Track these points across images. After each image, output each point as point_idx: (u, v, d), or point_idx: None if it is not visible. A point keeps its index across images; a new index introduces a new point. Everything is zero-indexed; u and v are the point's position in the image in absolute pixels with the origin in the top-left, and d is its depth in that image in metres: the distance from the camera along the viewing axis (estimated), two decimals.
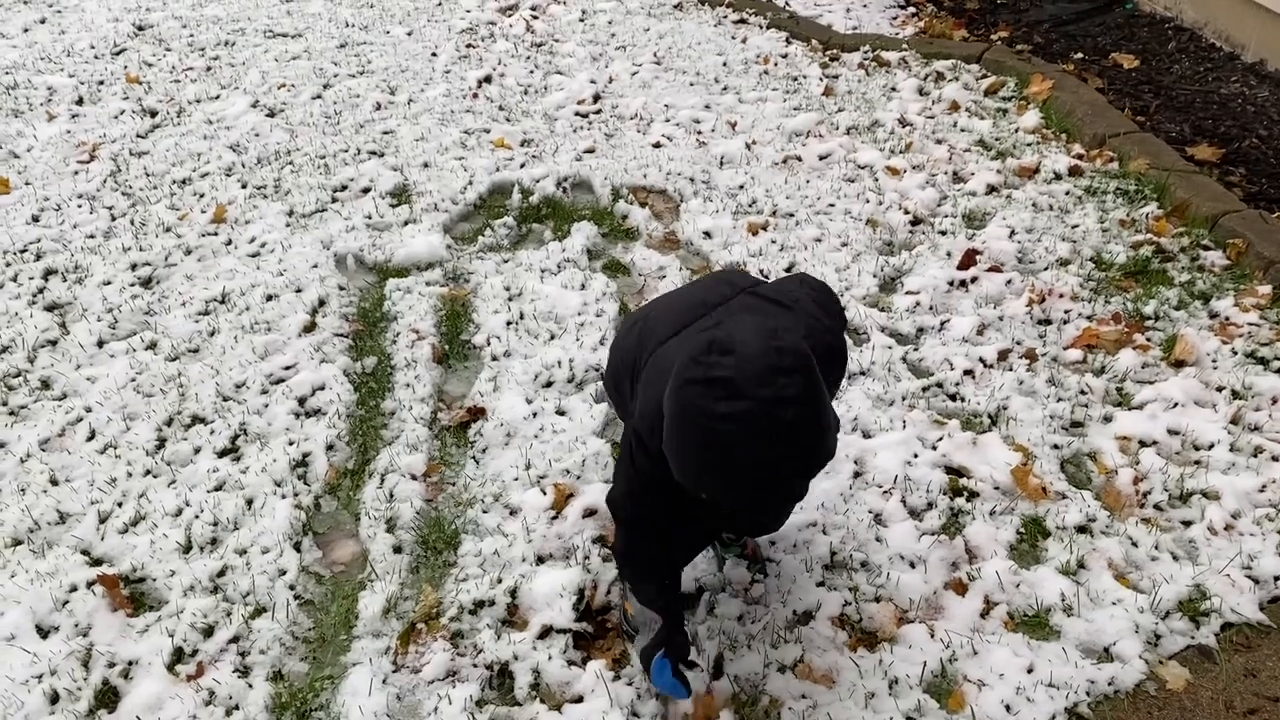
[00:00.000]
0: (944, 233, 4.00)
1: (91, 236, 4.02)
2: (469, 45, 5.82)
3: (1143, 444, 2.95)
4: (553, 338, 3.44)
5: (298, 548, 2.65)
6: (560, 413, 3.10)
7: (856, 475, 2.86)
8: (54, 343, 3.44)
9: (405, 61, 5.57)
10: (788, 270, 3.79)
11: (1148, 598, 2.45)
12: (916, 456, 2.91)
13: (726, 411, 1.55)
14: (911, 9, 6.50)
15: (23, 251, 3.91)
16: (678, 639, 2.11)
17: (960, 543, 2.64)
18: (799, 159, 4.56)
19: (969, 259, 3.77)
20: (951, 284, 3.68)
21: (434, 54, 5.70)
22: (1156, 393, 3.11)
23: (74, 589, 2.53)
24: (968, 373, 3.25)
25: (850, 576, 2.55)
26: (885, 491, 2.80)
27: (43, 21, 6.21)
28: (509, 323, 3.50)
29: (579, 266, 3.80)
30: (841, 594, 2.49)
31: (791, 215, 4.12)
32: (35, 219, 4.15)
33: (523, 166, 4.51)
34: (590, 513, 2.71)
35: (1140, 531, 2.65)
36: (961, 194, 4.25)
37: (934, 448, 2.95)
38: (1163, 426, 2.99)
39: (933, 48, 5.60)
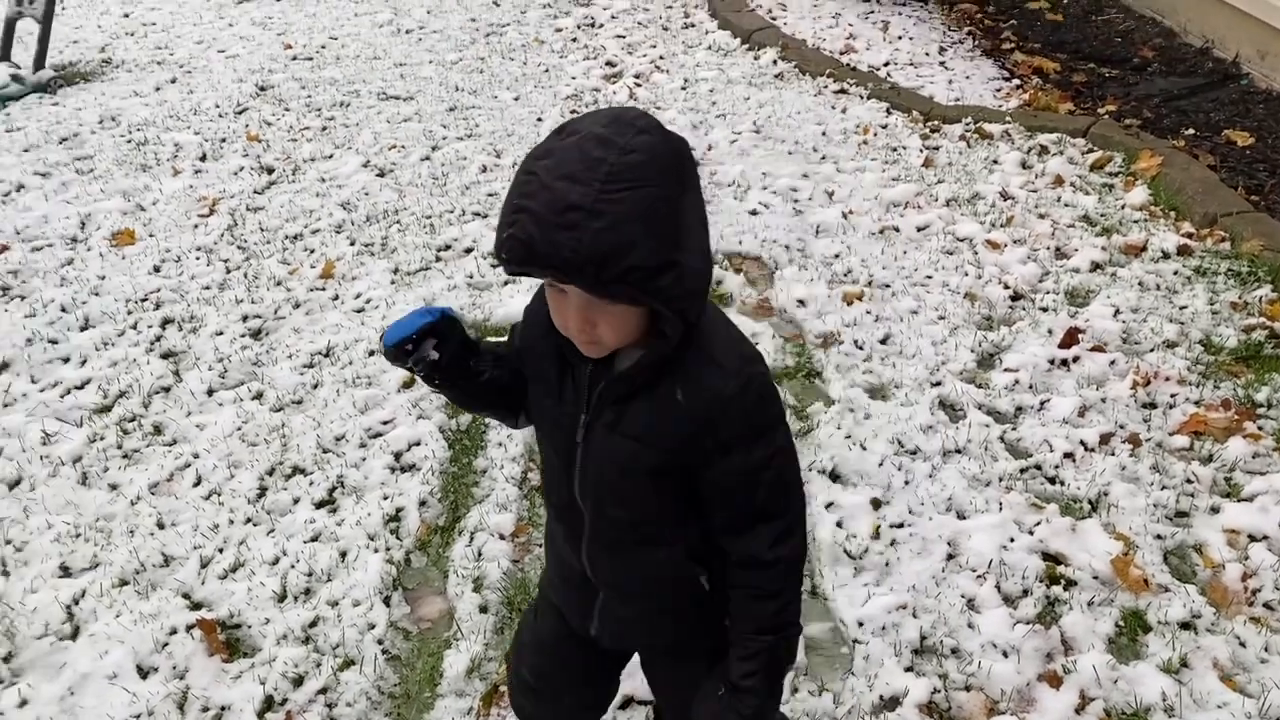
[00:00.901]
0: (1045, 309, 3.92)
1: (207, 288, 4.20)
2: (573, 111, 5.96)
3: (1252, 538, 2.84)
4: None
5: (387, 602, 2.69)
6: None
7: (950, 558, 2.80)
8: (168, 389, 3.59)
9: (511, 126, 5.73)
10: (883, 341, 3.76)
11: (1256, 703, 2.34)
12: (1013, 541, 2.84)
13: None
14: (1016, 81, 6.45)
15: (143, 300, 4.11)
16: None
17: (1056, 633, 2.56)
18: (897, 229, 4.54)
19: (1071, 337, 3.69)
20: (1052, 362, 3.61)
21: (539, 119, 5.85)
22: (1268, 484, 2.99)
23: (174, 632, 2.61)
24: (1068, 455, 3.16)
25: (940, 663, 2.49)
26: (979, 576, 2.74)
27: (173, 81, 6.56)
28: None
29: None
30: (930, 680, 2.43)
31: (888, 286, 4.10)
32: (156, 269, 4.36)
33: None
34: None
35: (1249, 631, 2.53)
36: (1064, 270, 4.17)
37: (1031, 532, 2.87)
38: (1274, 521, 2.87)
39: (1037, 121, 5.54)
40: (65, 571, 2.84)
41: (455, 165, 5.29)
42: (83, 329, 3.92)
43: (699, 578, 1.59)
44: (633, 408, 1.45)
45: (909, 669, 2.48)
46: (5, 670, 2.52)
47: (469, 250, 4.45)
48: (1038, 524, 2.89)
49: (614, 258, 1.23)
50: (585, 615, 1.71)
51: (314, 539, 2.91)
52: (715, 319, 1.48)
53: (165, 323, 3.97)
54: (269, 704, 2.43)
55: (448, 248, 4.48)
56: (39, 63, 6.53)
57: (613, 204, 1.22)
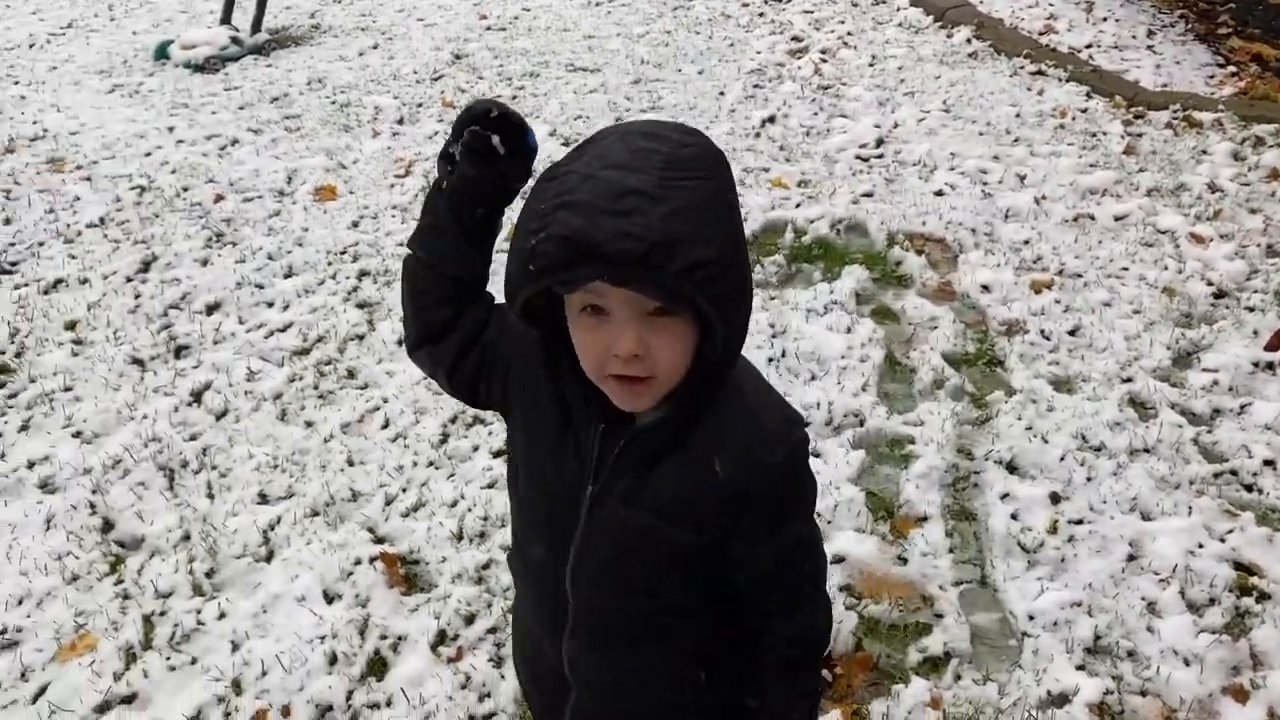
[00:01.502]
0: (1251, 309, 3.68)
1: (401, 244, 4.41)
2: (756, 85, 5.93)
3: None
4: (813, 378, 3.44)
5: None
6: (815, 455, 3.09)
7: (1131, 559, 2.69)
8: (361, 337, 3.79)
9: (694, 99, 5.75)
10: (1071, 333, 3.61)
11: None
12: (1201, 547, 2.70)
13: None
14: (1231, 68, 6.04)
15: (342, 253, 4.34)
16: None
17: (1245, 646, 2.42)
18: (1092, 218, 4.34)
19: (1279, 340, 3.46)
20: (1256, 365, 3.39)
21: (721, 93, 5.85)
22: None
23: (358, 562, 2.77)
24: (1268, 463, 2.98)
25: (1114, 664, 2.40)
26: (1162, 580, 2.61)
27: (375, 47, 6.86)
28: (770, 359, 3.53)
29: (846, 310, 3.78)
30: (1103, 681, 2.34)
31: (1079, 276, 3.93)
32: (355, 224, 4.59)
33: (798, 206, 4.54)
34: (839, 559, 2.69)
35: None
36: (1276, 269, 3.90)
37: (1222, 540, 2.72)
38: None
39: (1254, 110, 5.18)
40: (263, 499, 3.05)
41: None
42: (286, 276, 4.18)
43: (699, 673, 1.38)
44: (657, 476, 1.22)
45: (1080, 667, 2.39)
46: (208, 585, 2.73)
47: None
48: (1230, 532, 2.73)
49: (683, 246, 1.04)
50: (555, 713, 1.45)
51: (490, 486, 3.02)
52: (748, 369, 1.28)
53: (361, 275, 4.18)
54: (441, 638, 2.55)
55: None
56: (256, 26, 6.95)
57: (676, 190, 1.06)
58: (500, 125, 1.20)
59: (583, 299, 1.13)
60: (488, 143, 1.20)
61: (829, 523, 2.81)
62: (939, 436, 3.11)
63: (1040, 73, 5.88)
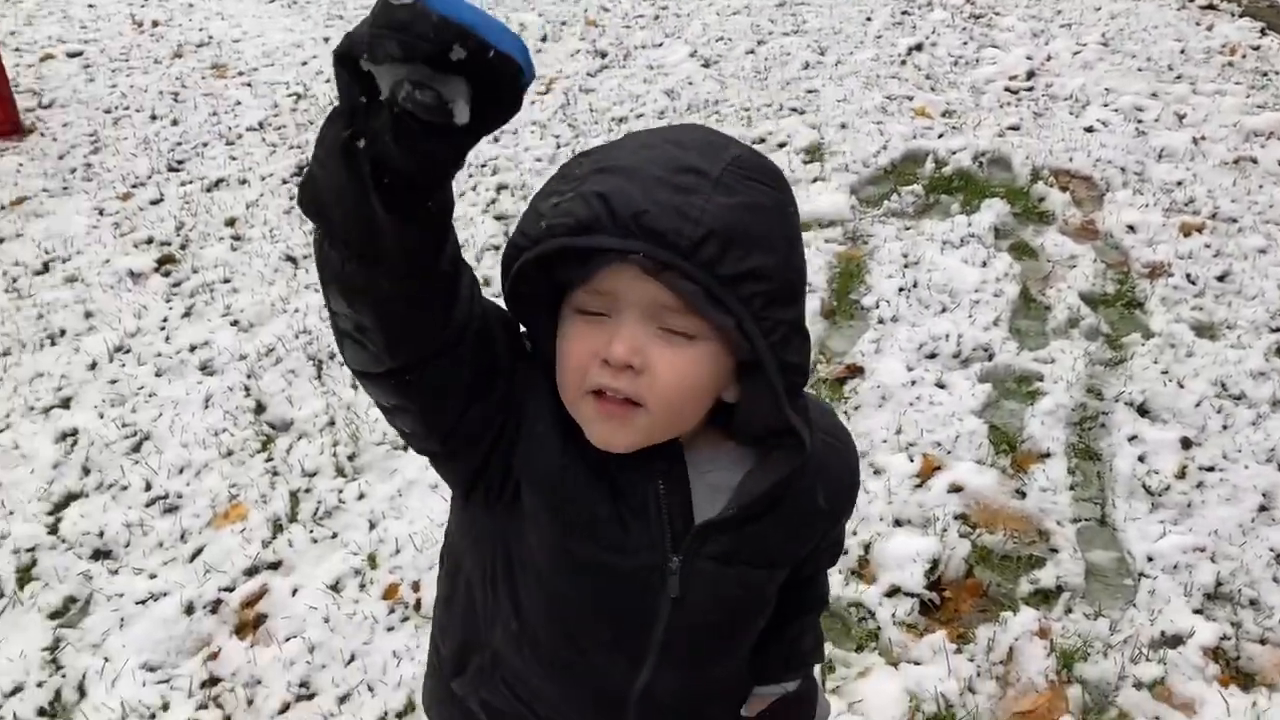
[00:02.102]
0: None
1: (539, 160, 4.50)
2: (904, 12, 5.78)
3: None
4: (944, 310, 3.40)
5: None
6: (940, 385, 3.08)
7: (1262, 509, 2.62)
8: (497, 248, 3.91)
9: (839, 24, 5.64)
10: (1220, 278, 3.47)
11: None
12: None
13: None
14: None
15: (483, 166, 4.46)
16: None
17: None
18: (1254, 161, 4.13)
19: None
20: None
21: (868, 18, 5.72)
22: None
23: None
24: None
25: (1235, 611, 2.36)
26: None
27: None
28: (901, 289, 3.50)
29: (984, 244, 3.71)
30: (1221, 626, 2.31)
31: (1234, 221, 3.76)
32: (495, 139, 4.70)
33: (940, 137, 4.44)
34: (956, 489, 2.70)
35: None
36: None
37: None
38: None
39: None
40: None
41: (778, 60, 5.29)
42: None
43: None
44: (756, 527, 1.04)
45: (1198, 611, 2.36)
46: (349, 467, 2.91)
47: (782, 145, 4.48)
48: None
49: (739, 247, 0.86)
50: None
51: None
52: None
53: (500, 188, 4.30)
54: None
55: (762, 141, 4.53)
56: None
57: (744, 186, 0.88)
58: (469, 65, 0.69)
59: (584, 298, 0.92)
60: (440, 108, 0.69)
61: (948, 453, 2.81)
62: (1069, 375, 3.06)
63: (1211, 6, 5.55)
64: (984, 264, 3.60)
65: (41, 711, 2.29)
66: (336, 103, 0.74)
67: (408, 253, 0.80)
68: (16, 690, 2.34)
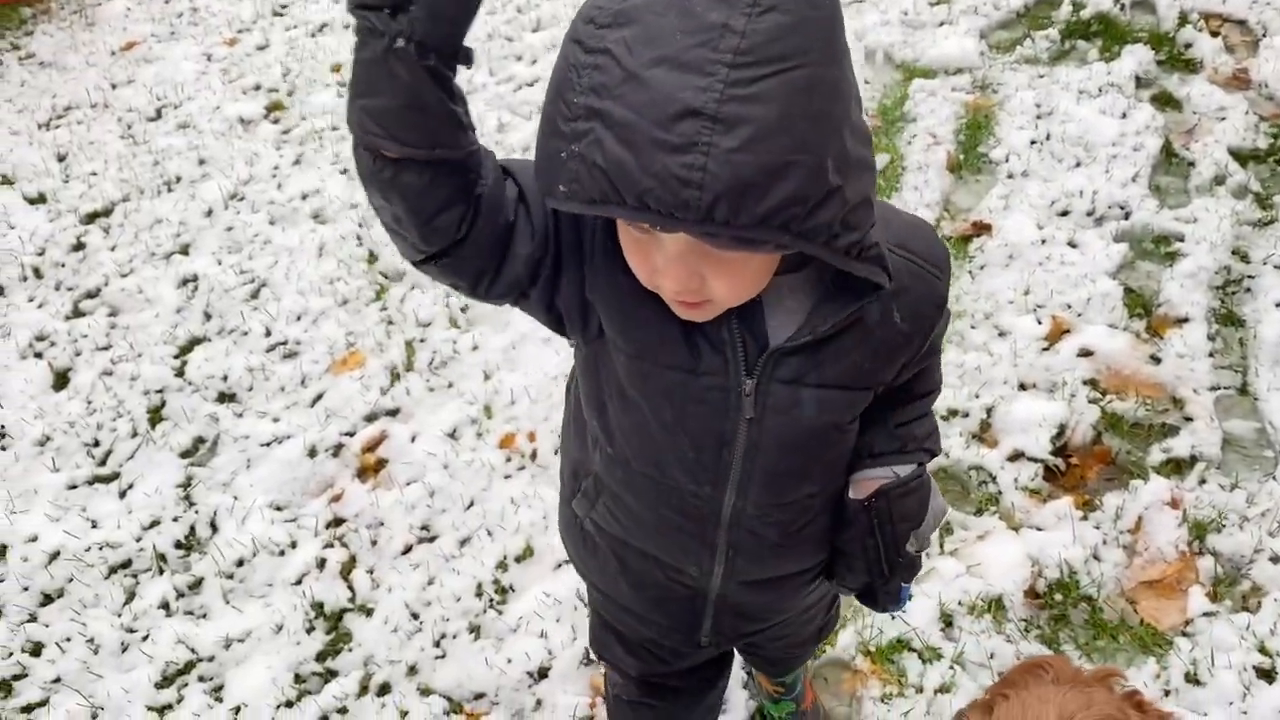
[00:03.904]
0: None
1: None
2: None
3: None
4: (1078, 165, 3.21)
5: None
6: (1072, 245, 2.92)
7: None
8: None
9: None
10: None
11: None
12: None
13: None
14: None
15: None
16: None
17: None
18: None
19: None
20: None
21: None
22: None
23: None
24: None
25: None
26: None
27: None
28: (1033, 141, 3.31)
29: (1123, 93, 3.46)
30: None
31: None
32: None
33: None
34: (1086, 353, 2.58)
35: None
36: None
37: None
38: None
39: None
40: None
41: None
42: (534, 30, 4.19)
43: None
44: (831, 349, 1.04)
45: None
46: (463, 319, 2.91)
47: None
48: None
49: (755, 193, 0.79)
50: (692, 627, 1.32)
51: None
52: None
53: None
54: None
55: None
56: None
57: (750, 104, 0.78)
58: None
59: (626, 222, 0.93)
60: None
61: (1079, 315, 2.69)
62: (1213, 236, 2.87)
63: None
64: (1123, 115, 3.36)
65: (178, 545, 2.40)
66: (357, 37, 0.86)
67: (447, 128, 0.90)
68: (154, 524, 2.45)
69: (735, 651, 1.63)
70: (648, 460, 1.13)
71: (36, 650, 2.21)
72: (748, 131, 0.78)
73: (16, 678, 2.16)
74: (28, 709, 2.10)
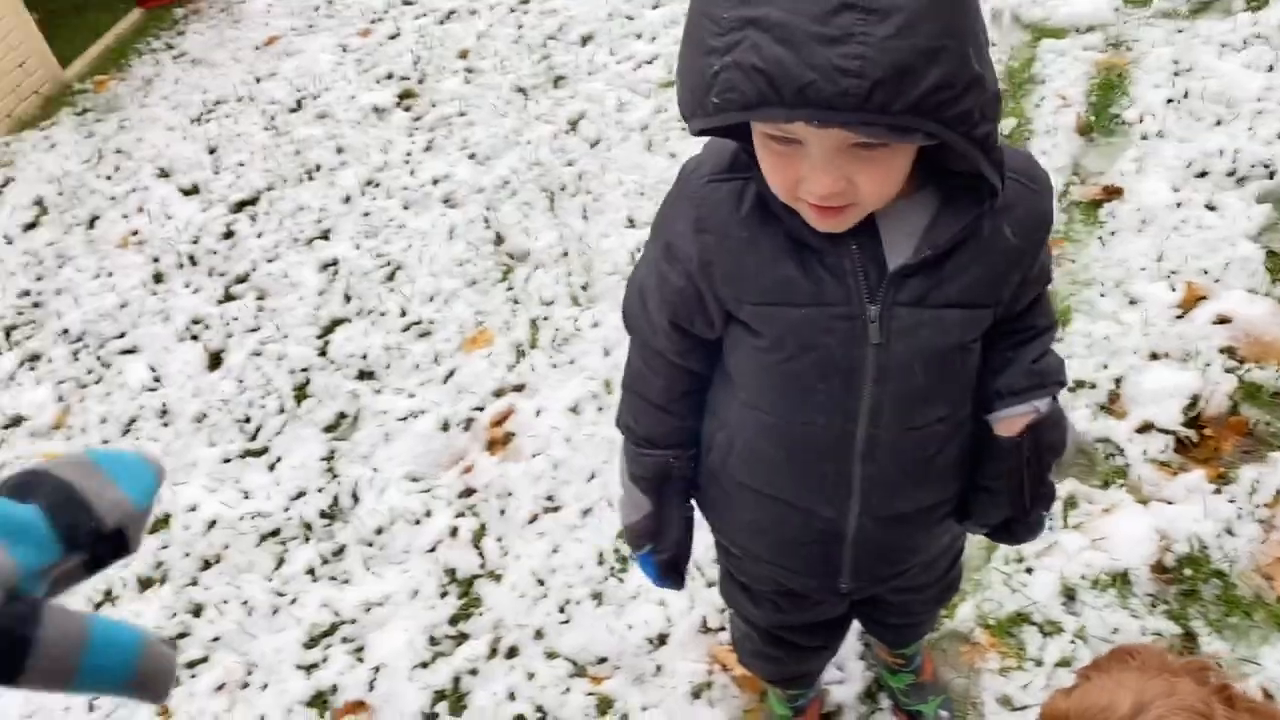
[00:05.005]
0: None
1: None
2: None
3: None
4: (1219, 123, 3.06)
5: None
6: (1210, 208, 2.80)
7: None
8: None
9: None
10: None
11: None
12: None
13: None
14: None
15: None
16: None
17: None
18: None
19: None
20: None
21: None
22: None
23: None
24: None
25: None
26: None
27: None
28: (1169, 100, 3.17)
29: (1270, 45, 3.27)
30: None
31: None
32: None
33: None
34: (1223, 320, 2.48)
35: None
36: None
37: None
38: None
39: None
40: (630, 223, 3.25)
41: None
42: (654, 8, 4.22)
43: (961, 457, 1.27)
44: (950, 268, 1.08)
45: None
46: (583, 297, 3.00)
47: None
48: None
49: (911, 78, 0.84)
50: (831, 573, 1.34)
51: None
52: None
53: None
54: None
55: None
56: None
57: None
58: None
59: (770, 131, 0.95)
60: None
61: (1216, 280, 2.58)
62: None
63: None
64: (1269, 69, 3.18)
65: (323, 514, 2.56)
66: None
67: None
68: (300, 495, 2.62)
69: (855, 620, 1.66)
70: (780, 401, 1.18)
71: (197, 611, 2.40)
72: (900, 19, 0.83)
73: (180, 636, 2.35)
74: (191, 665, 2.29)
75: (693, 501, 1.41)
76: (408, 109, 3.97)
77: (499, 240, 3.26)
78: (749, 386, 1.20)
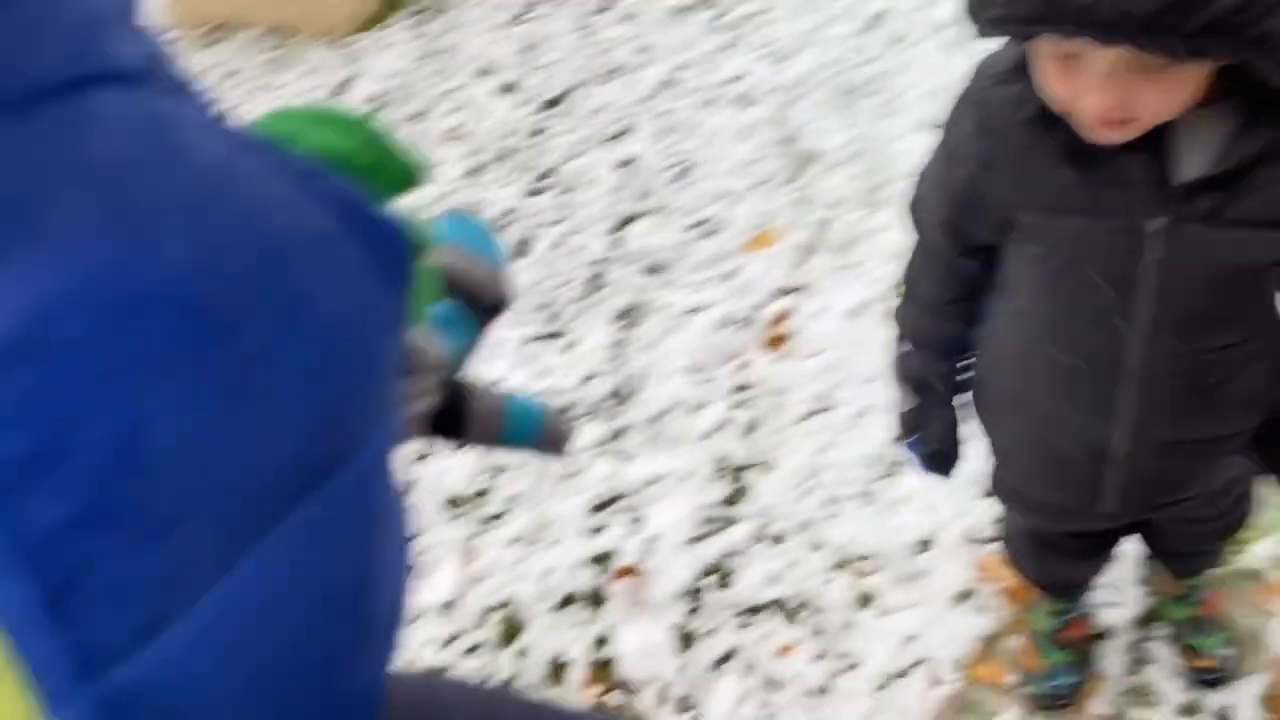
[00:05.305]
0: None
1: None
2: None
3: None
4: None
5: None
6: None
7: None
8: None
9: None
10: None
11: None
12: None
13: None
14: None
15: None
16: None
17: None
18: None
19: None
20: None
21: None
22: None
23: None
24: None
25: None
26: None
27: None
28: None
29: None
30: None
31: None
32: None
33: None
34: None
35: None
36: None
37: None
38: None
39: None
40: (927, 125, 3.15)
41: None
42: None
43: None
44: (1246, 184, 0.98)
45: None
46: (874, 199, 2.96)
47: None
48: None
49: None
50: (1093, 495, 1.29)
51: None
52: None
53: None
54: None
55: None
56: None
57: None
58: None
59: (1048, 42, 0.91)
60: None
61: None
62: None
63: None
64: None
65: (609, 396, 2.74)
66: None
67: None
68: (590, 377, 2.80)
69: (1133, 541, 1.62)
70: (1050, 312, 1.16)
71: (499, 471, 2.66)
72: None
73: (481, 493, 2.62)
74: (494, 518, 2.55)
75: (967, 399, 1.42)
76: (711, 7, 4.01)
77: (790, 140, 3.27)
78: (1020, 296, 1.19)
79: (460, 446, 0.70)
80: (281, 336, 0.40)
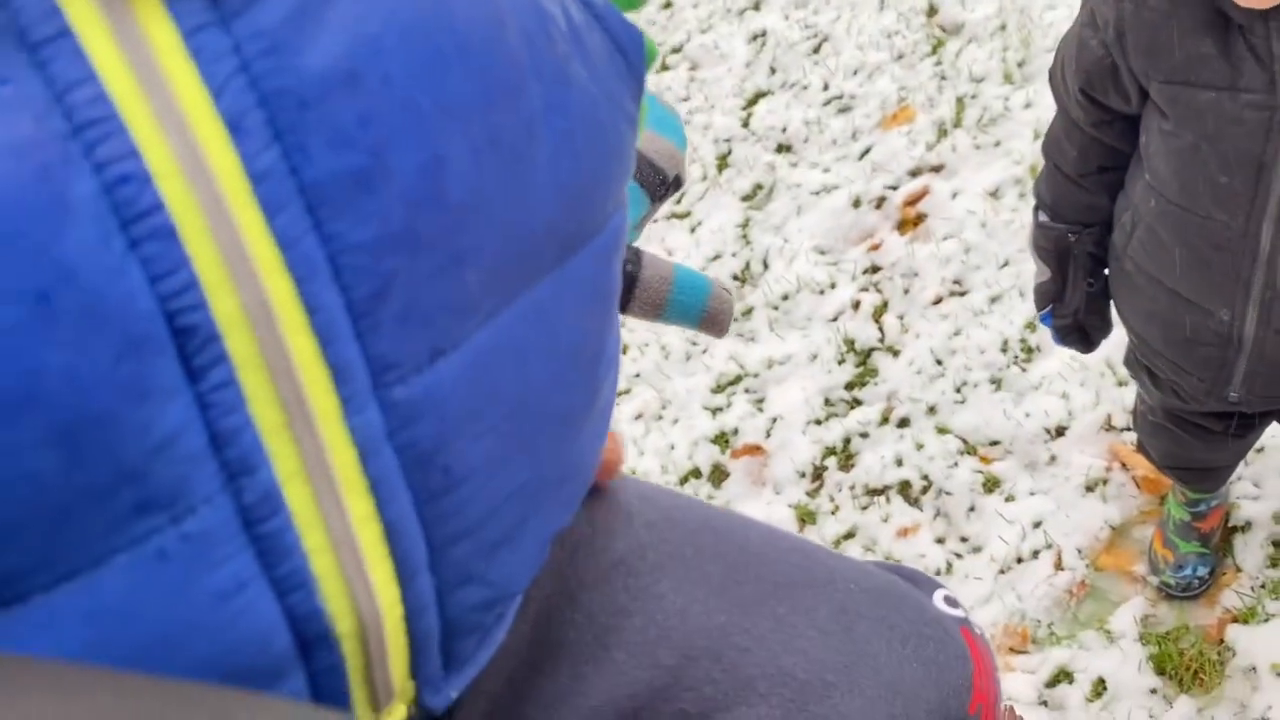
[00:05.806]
0: None
1: None
2: None
3: None
4: None
5: None
6: None
7: None
8: None
9: None
10: None
11: None
12: None
13: None
14: None
15: None
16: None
17: None
18: None
19: None
20: None
21: None
22: None
23: None
24: None
25: None
26: None
27: None
28: None
29: None
30: None
31: None
32: None
33: None
34: None
35: None
36: None
37: None
38: None
39: None
40: None
41: None
42: None
43: None
44: None
45: None
46: (1018, 75, 2.81)
47: None
48: None
49: None
50: (1222, 380, 1.27)
51: None
52: None
53: None
54: None
55: None
56: None
57: None
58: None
59: None
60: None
61: None
62: None
63: None
64: None
65: (735, 276, 2.73)
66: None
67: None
68: (717, 257, 2.79)
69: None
70: (1179, 188, 1.13)
71: (623, 350, 2.69)
72: None
73: None
74: (619, 394, 2.60)
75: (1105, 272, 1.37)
76: None
77: (932, 11, 3.11)
78: (1154, 169, 1.16)
79: (625, 314, 0.69)
80: (550, 106, 0.45)
